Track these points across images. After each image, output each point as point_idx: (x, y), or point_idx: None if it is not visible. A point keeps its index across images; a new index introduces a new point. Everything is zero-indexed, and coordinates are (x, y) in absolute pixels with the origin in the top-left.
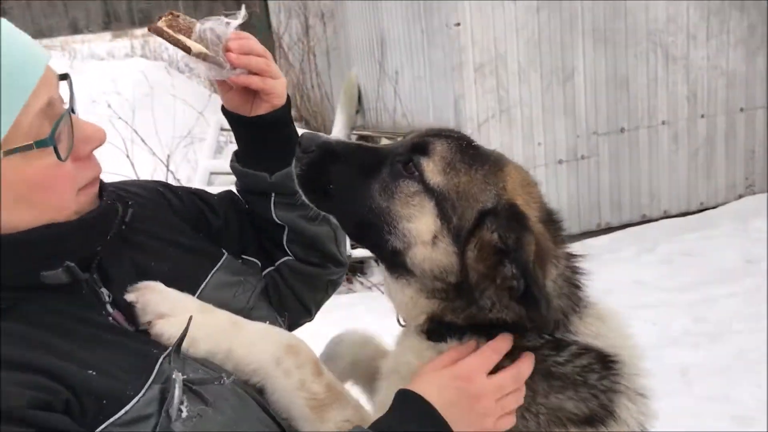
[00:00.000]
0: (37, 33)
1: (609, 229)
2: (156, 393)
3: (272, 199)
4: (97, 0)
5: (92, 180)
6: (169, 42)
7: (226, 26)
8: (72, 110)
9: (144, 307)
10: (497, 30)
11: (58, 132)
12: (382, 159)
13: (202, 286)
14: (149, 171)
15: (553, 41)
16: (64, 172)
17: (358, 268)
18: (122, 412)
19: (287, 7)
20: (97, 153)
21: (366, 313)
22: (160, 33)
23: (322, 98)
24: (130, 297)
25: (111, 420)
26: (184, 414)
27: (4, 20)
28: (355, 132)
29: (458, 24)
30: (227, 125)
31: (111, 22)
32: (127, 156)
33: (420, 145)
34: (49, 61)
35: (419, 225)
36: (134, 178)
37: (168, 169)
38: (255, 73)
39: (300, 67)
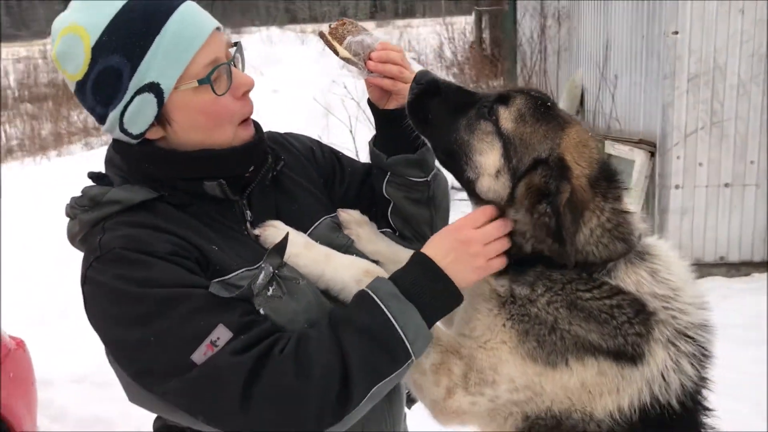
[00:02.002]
0: (311, 18)
1: None
2: (251, 274)
3: (387, 176)
4: None
5: (247, 115)
6: (326, 45)
7: (372, 40)
8: (234, 65)
9: (264, 239)
10: (719, 41)
11: (215, 77)
12: (473, 101)
13: (316, 224)
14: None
15: None
16: (221, 105)
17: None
18: (225, 277)
19: (527, 7)
20: (327, 124)
21: None
22: (322, 37)
23: None
24: (255, 231)
25: (217, 279)
26: (269, 293)
27: (187, 3)
28: None
29: (676, 32)
30: None
31: (377, 11)
32: (350, 131)
33: (504, 96)
34: (215, 31)
35: (487, 159)
36: (354, 150)
37: None
38: (391, 78)
39: (531, 65)
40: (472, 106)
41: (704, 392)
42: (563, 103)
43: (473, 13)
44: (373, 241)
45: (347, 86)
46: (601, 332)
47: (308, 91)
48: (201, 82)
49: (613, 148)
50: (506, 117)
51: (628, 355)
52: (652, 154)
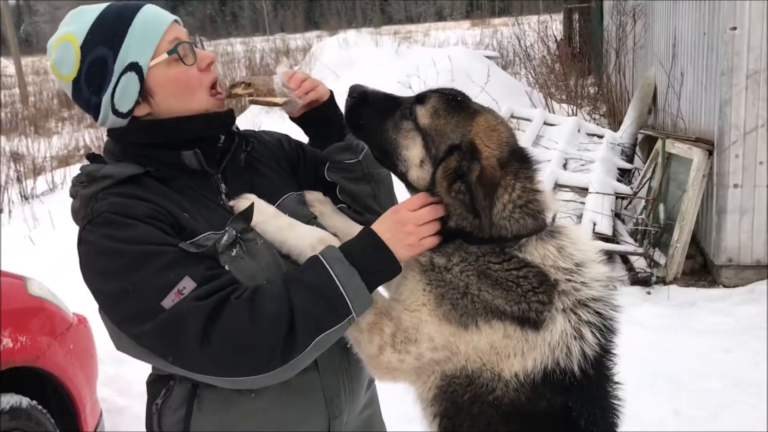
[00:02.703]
0: (407, 19)
1: None
2: (216, 237)
3: (326, 165)
4: None
5: (213, 82)
6: (263, 104)
7: (279, 77)
8: (196, 46)
9: (238, 209)
10: None
11: (182, 53)
12: (397, 105)
13: (283, 197)
14: None
15: None
16: (191, 74)
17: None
18: (193, 239)
19: (607, 4)
20: None
21: None
22: (258, 102)
23: (621, 95)
24: (231, 203)
25: (188, 241)
26: (233, 253)
27: (148, 5)
28: (642, 131)
29: (734, 28)
30: (518, 113)
31: (473, 11)
32: None
33: (421, 96)
34: (174, 23)
35: (412, 153)
36: None
37: None
38: (310, 89)
39: (613, 62)
40: (397, 109)
41: (610, 364)
42: (635, 101)
43: (562, 11)
44: (332, 218)
45: (412, 86)
46: (506, 298)
47: None
48: (170, 53)
49: (673, 147)
50: (423, 114)
51: (531, 321)
52: (710, 153)
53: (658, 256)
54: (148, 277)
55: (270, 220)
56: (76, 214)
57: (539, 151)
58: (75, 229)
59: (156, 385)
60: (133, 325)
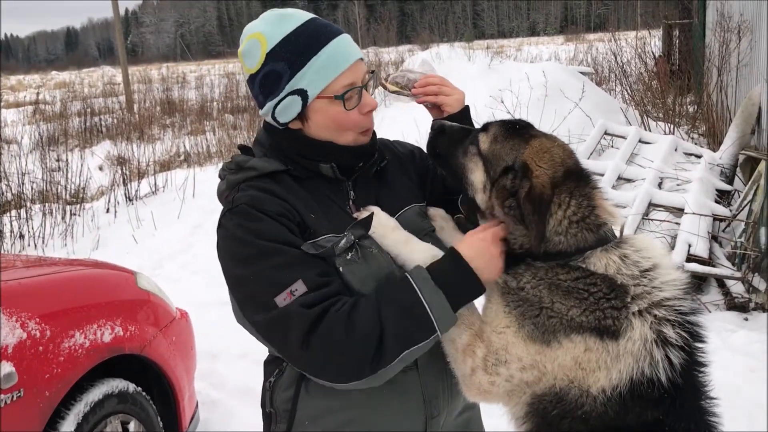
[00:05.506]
0: (499, 33)
1: None
2: (336, 239)
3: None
4: (560, 1)
5: (366, 128)
6: (383, 86)
7: (416, 75)
8: (366, 89)
9: (360, 218)
10: None
11: (348, 96)
12: (468, 134)
13: (405, 209)
14: None
15: None
16: (348, 117)
17: (694, 284)
18: (315, 239)
19: (710, 20)
20: None
21: None
22: (385, 87)
23: (722, 114)
24: (356, 213)
25: (309, 241)
26: (349, 257)
27: (344, 35)
28: (744, 152)
29: None
30: (612, 130)
31: (567, 26)
32: None
33: (486, 125)
34: (358, 60)
35: (475, 176)
36: None
37: None
38: (433, 94)
39: (715, 80)
40: (467, 137)
41: (701, 376)
42: (737, 121)
43: (661, 27)
44: (451, 235)
45: (504, 101)
46: (579, 307)
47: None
48: (336, 97)
49: None
50: (484, 140)
51: (609, 330)
52: None
53: (758, 281)
54: (267, 272)
55: (388, 233)
56: (221, 195)
57: (633, 170)
58: (176, 230)
59: (271, 365)
60: (249, 311)
